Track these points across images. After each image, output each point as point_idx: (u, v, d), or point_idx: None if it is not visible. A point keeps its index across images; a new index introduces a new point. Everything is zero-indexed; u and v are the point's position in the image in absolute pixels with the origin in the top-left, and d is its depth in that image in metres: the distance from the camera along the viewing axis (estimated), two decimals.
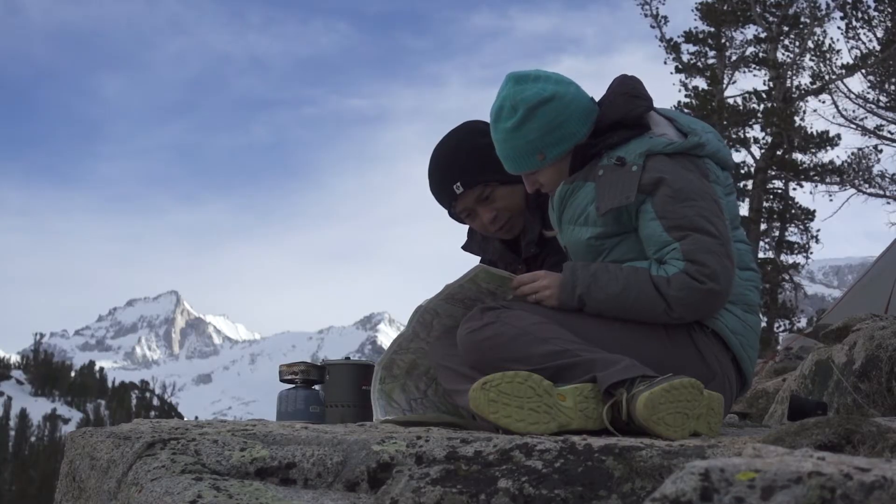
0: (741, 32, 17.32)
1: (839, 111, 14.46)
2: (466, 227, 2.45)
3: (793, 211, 16.34)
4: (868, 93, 14.05)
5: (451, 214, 2.33)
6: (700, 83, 17.05)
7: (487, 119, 2.09)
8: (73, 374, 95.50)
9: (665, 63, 17.12)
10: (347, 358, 2.40)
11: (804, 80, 16.55)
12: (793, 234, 16.51)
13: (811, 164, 16.09)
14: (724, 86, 16.84)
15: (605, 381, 1.67)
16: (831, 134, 15.76)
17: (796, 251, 16.38)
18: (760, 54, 17.08)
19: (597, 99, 2.06)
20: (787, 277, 16.18)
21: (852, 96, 14.17)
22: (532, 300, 1.90)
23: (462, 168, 2.23)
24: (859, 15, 14.19)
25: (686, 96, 16.75)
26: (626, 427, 1.66)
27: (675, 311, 1.82)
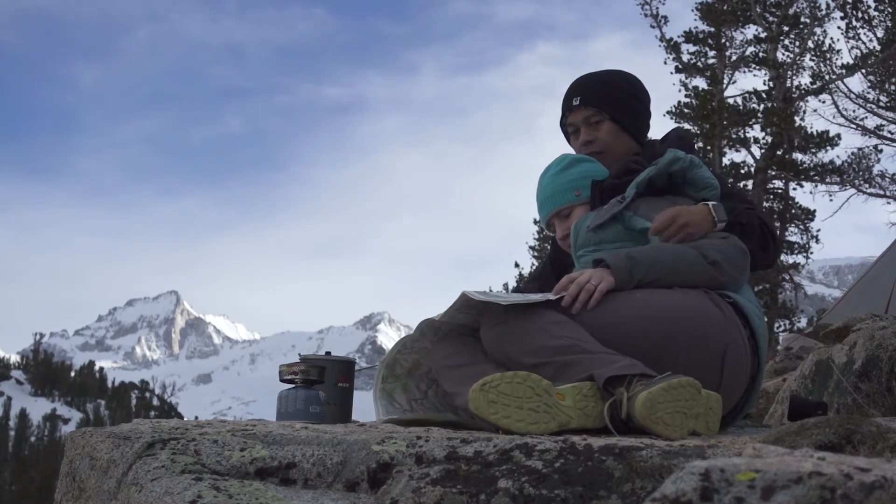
0: (741, 32, 17.31)
1: (839, 111, 14.44)
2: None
3: (793, 211, 16.32)
4: (868, 93, 14.03)
5: (561, 124, 2.55)
6: (700, 83, 17.05)
7: None
8: (73, 374, 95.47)
9: (665, 63, 17.12)
10: (328, 353, 2.37)
11: (804, 80, 16.54)
12: (793, 234, 16.50)
13: (811, 164, 16.07)
14: (724, 86, 16.82)
15: (602, 376, 1.70)
16: (831, 134, 15.74)
17: (796, 251, 16.36)
18: (760, 54, 17.06)
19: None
20: (787, 277, 16.17)
21: (852, 96, 14.15)
22: (594, 288, 1.90)
23: (590, 88, 2.47)
24: (859, 15, 14.17)
25: (686, 96, 16.74)
26: (626, 426, 1.66)
27: (709, 257, 1.97)
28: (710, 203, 2.12)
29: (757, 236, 2.18)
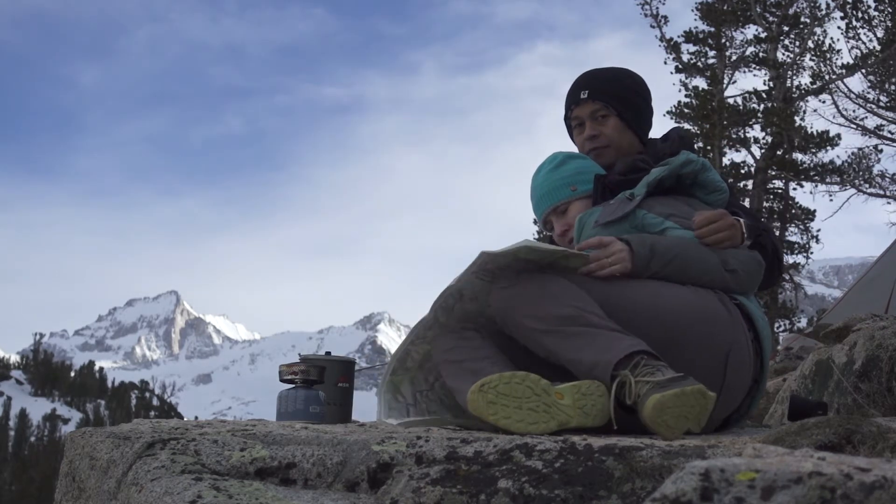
0: (741, 32, 17.31)
1: (839, 111, 14.46)
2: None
3: (793, 211, 16.32)
4: (868, 93, 14.04)
5: (566, 118, 2.52)
6: (700, 83, 17.04)
7: None
8: (72, 374, 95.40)
9: (665, 63, 17.13)
10: (328, 353, 2.37)
11: (804, 80, 16.54)
12: (793, 234, 16.50)
13: (811, 164, 16.07)
14: (724, 86, 16.82)
15: (606, 370, 1.71)
16: (831, 134, 15.73)
17: (796, 251, 16.36)
18: (760, 54, 17.06)
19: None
20: (787, 277, 16.18)
21: (852, 96, 14.16)
22: (608, 266, 1.92)
23: (599, 83, 2.45)
24: (859, 15, 14.17)
25: (686, 96, 16.73)
26: (628, 412, 1.67)
27: (728, 263, 2.00)
28: (743, 220, 2.13)
29: (767, 260, 2.21)
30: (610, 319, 1.82)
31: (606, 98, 2.40)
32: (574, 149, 2.53)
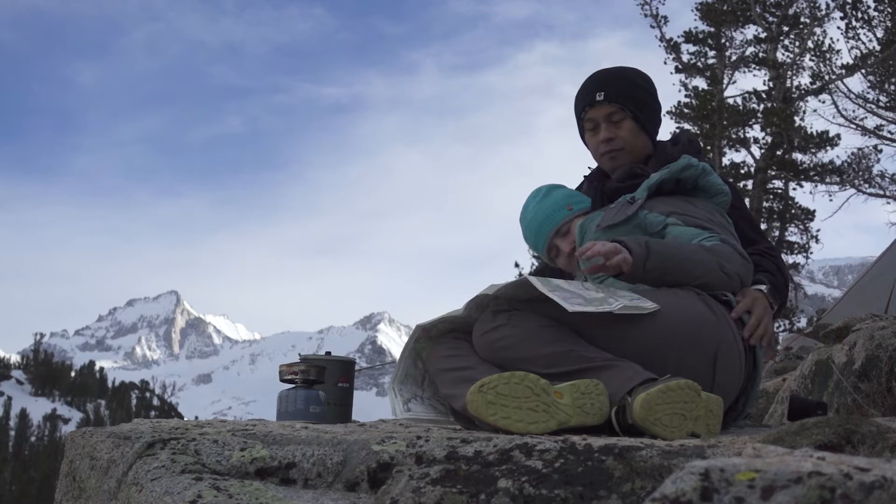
0: (741, 32, 17.31)
1: (839, 111, 14.45)
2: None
3: (793, 211, 16.31)
4: (868, 93, 14.03)
5: (578, 120, 2.49)
6: (700, 83, 17.05)
7: None
8: (73, 374, 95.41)
9: (665, 63, 17.13)
10: (328, 353, 2.37)
11: (804, 80, 16.54)
12: (793, 234, 16.49)
13: (811, 164, 16.07)
14: (724, 86, 16.82)
15: (618, 395, 1.71)
16: (831, 134, 15.73)
17: (796, 251, 16.35)
18: (760, 54, 17.06)
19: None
20: None
21: (852, 96, 14.16)
22: (613, 262, 1.90)
23: (614, 84, 2.41)
24: (859, 15, 14.16)
25: (686, 96, 16.74)
26: (630, 428, 1.67)
27: (725, 268, 1.97)
28: (765, 288, 2.13)
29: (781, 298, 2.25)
30: (596, 349, 1.81)
31: (622, 100, 2.38)
32: (585, 151, 2.53)
